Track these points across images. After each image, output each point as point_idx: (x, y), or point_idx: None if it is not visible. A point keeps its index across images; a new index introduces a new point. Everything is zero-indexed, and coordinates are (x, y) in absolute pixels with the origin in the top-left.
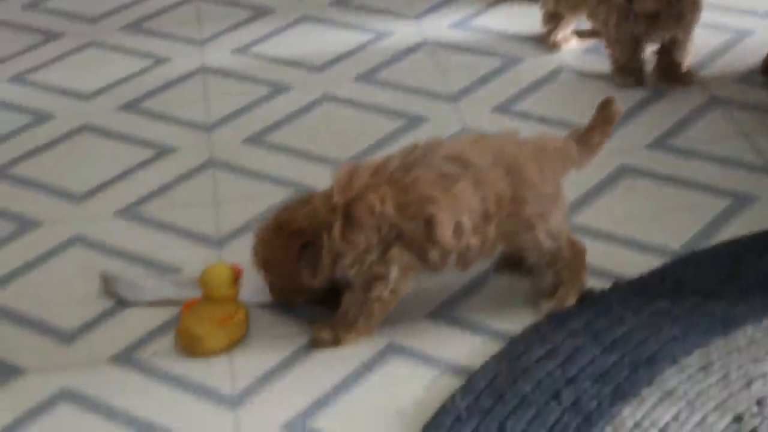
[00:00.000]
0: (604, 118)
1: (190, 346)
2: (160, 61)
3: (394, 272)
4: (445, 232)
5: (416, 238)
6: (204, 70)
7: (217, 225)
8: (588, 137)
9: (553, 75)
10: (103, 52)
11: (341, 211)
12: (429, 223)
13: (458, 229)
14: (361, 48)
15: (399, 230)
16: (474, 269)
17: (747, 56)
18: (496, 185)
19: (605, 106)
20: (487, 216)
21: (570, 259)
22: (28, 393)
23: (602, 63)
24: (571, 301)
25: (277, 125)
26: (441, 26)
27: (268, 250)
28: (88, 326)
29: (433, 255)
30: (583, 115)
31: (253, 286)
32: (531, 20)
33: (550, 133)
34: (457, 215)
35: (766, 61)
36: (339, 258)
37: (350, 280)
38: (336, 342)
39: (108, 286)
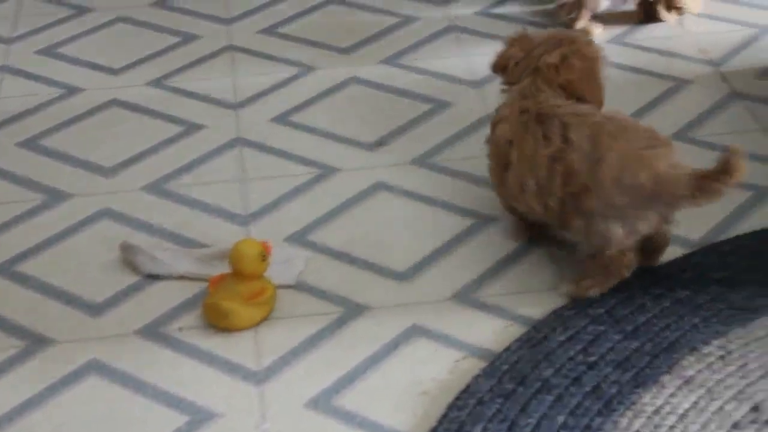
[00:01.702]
0: (725, 169)
1: (217, 321)
2: (188, 38)
3: None
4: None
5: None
6: (232, 48)
7: (245, 202)
8: (705, 181)
9: None
10: (132, 26)
11: None
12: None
13: None
14: (389, 30)
15: None
16: (498, 253)
17: (766, 52)
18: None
19: (728, 158)
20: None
21: (611, 261)
22: (57, 363)
23: (630, 54)
24: (592, 293)
25: (304, 105)
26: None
27: None
28: (117, 299)
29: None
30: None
31: (281, 265)
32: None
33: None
34: None
35: None
36: None
37: None
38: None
39: (127, 255)
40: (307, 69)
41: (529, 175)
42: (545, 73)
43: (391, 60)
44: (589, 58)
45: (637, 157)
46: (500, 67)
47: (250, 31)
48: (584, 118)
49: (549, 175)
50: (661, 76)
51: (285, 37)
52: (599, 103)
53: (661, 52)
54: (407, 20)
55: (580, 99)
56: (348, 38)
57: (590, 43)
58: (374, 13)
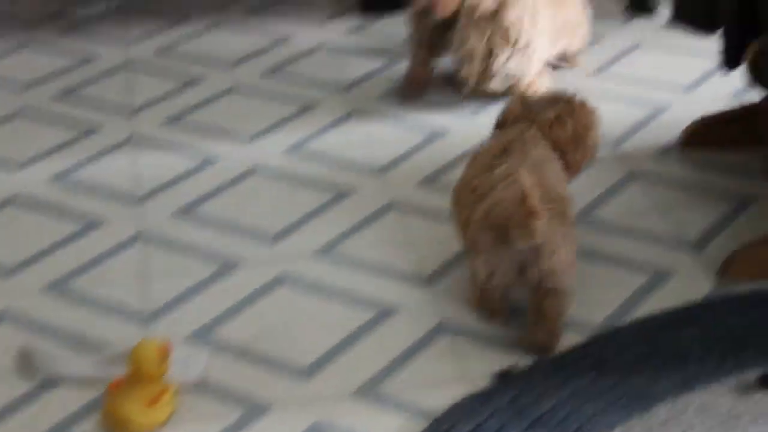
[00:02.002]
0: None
1: (116, 429)
2: (91, 130)
3: None
4: None
5: None
6: (135, 139)
7: (147, 300)
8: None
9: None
10: (31, 123)
11: None
12: None
13: None
14: (291, 118)
15: None
16: (402, 344)
17: (665, 130)
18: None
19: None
20: None
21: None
22: None
23: None
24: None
25: (207, 197)
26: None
27: None
28: (11, 407)
29: None
30: None
31: (183, 364)
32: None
33: None
34: None
35: (684, 135)
36: None
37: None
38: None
39: (26, 361)
40: (211, 159)
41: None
42: (540, 127)
43: (294, 148)
44: (582, 123)
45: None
46: (501, 122)
47: (154, 121)
48: (519, 160)
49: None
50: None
51: (188, 126)
52: (577, 168)
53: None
54: (310, 106)
55: (564, 157)
56: (251, 127)
57: (586, 106)
58: (275, 100)
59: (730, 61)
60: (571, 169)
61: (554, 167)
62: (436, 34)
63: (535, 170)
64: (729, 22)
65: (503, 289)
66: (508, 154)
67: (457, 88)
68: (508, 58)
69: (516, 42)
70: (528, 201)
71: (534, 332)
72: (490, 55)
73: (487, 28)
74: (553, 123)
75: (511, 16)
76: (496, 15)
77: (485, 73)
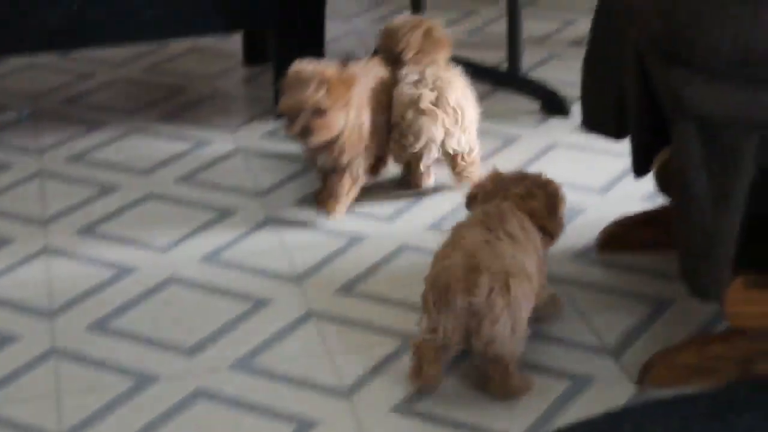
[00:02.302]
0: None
1: None
2: (2, 242)
3: None
4: None
5: None
6: (48, 250)
7: (60, 419)
8: None
9: (397, 253)
10: None
11: None
12: None
13: None
14: (209, 225)
15: None
16: None
17: (582, 233)
18: None
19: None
20: None
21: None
22: None
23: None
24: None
25: (121, 309)
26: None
27: None
28: None
29: None
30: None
31: None
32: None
33: None
34: None
35: (601, 238)
36: None
37: None
38: None
39: None
40: (126, 269)
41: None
42: (514, 199)
43: (211, 256)
44: (552, 194)
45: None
46: (471, 196)
47: (68, 230)
48: (495, 230)
49: None
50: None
51: (103, 236)
52: (554, 237)
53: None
54: (226, 213)
55: (542, 226)
56: (168, 234)
57: (552, 181)
58: (190, 207)
59: (639, 168)
60: (550, 237)
61: (529, 239)
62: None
63: (498, 240)
64: (636, 130)
65: (444, 349)
66: (485, 225)
67: (412, 184)
68: (458, 139)
69: (463, 121)
70: (472, 261)
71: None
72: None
73: (437, 114)
74: (525, 195)
75: (453, 99)
76: (439, 100)
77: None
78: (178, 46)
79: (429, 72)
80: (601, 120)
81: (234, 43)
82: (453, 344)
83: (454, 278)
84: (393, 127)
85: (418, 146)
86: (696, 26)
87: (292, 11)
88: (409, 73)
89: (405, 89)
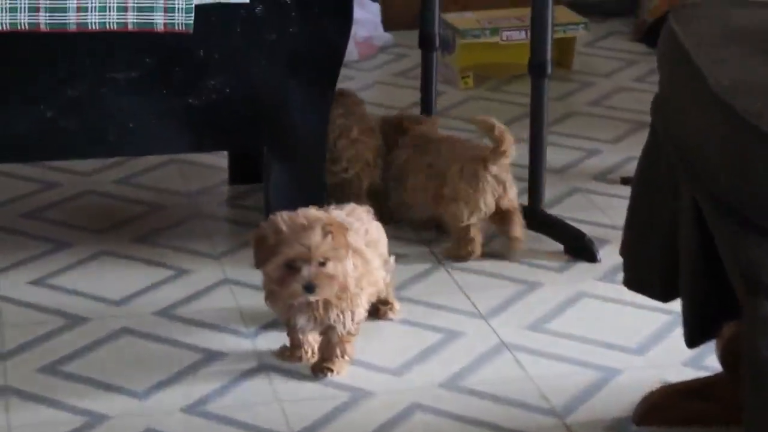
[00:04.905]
0: None
1: None
2: None
3: None
4: None
5: None
6: (8, 390)
7: None
8: None
9: None
10: None
11: None
12: None
13: None
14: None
15: None
16: None
17: (617, 400)
18: None
19: None
20: None
21: None
22: None
23: (459, 401)
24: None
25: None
26: None
27: None
28: None
29: None
30: None
31: None
32: None
33: None
34: None
35: (640, 408)
36: None
37: None
38: None
39: None
40: (97, 417)
41: None
42: None
43: (194, 407)
44: None
45: None
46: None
47: (27, 369)
48: None
49: None
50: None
51: (69, 377)
52: None
53: (496, 399)
54: (212, 356)
55: None
56: (145, 380)
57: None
58: (171, 347)
59: (693, 340)
60: None
61: None
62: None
63: None
64: (691, 297)
65: None
66: None
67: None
68: None
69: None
70: None
71: None
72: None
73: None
74: None
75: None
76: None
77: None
78: (156, 156)
79: None
80: (646, 280)
81: (219, 155)
82: None
83: None
84: None
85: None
86: None
87: (287, 129)
88: None
89: None
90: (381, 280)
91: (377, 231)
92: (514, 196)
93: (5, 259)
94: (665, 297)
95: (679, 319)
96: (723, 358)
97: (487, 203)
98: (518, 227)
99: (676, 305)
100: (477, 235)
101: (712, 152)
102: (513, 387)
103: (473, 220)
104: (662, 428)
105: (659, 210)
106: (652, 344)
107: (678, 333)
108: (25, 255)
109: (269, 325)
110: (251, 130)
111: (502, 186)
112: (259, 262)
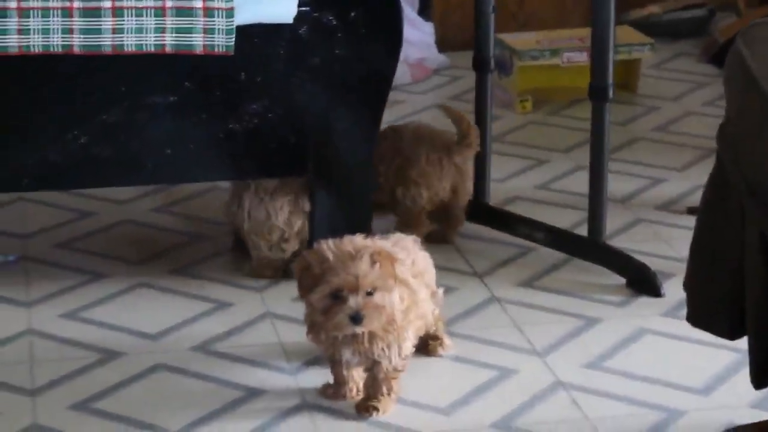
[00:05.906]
0: None
1: None
2: None
3: None
4: None
5: None
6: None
7: None
8: None
9: None
10: None
11: None
12: None
13: None
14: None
15: None
16: None
17: None
18: None
19: None
20: None
21: None
22: None
23: None
24: None
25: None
26: None
27: None
28: None
29: None
30: None
31: None
32: None
33: None
34: None
35: None
36: None
37: None
38: None
39: None
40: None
41: None
42: None
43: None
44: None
45: None
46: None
47: (59, 406)
48: None
49: None
50: None
51: (104, 415)
52: None
53: None
54: (253, 393)
55: None
56: (182, 416)
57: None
58: (211, 384)
59: (760, 381)
60: None
61: None
62: None
63: None
64: (758, 334)
65: None
66: None
67: None
68: None
69: None
70: None
71: None
72: None
73: None
74: None
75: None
76: None
77: None
78: (196, 184)
79: None
80: (711, 316)
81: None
82: None
83: None
84: None
85: None
86: None
87: (332, 155)
88: None
89: None
90: (429, 312)
91: (424, 261)
92: (469, 189)
93: (37, 291)
94: (731, 334)
95: (746, 358)
96: None
97: (446, 190)
98: (459, 221)
99: (743, 343)
100: (426, 221)
101: None
102: (569, 428)
103: (428, 205)
104: None
105: (725, 242)
106: (717, 384)
107: (745, 372)
108: (58, 287)
109: (312, 361)
110: (295, 157)
111: (461, 176)
112: (304, 292)
